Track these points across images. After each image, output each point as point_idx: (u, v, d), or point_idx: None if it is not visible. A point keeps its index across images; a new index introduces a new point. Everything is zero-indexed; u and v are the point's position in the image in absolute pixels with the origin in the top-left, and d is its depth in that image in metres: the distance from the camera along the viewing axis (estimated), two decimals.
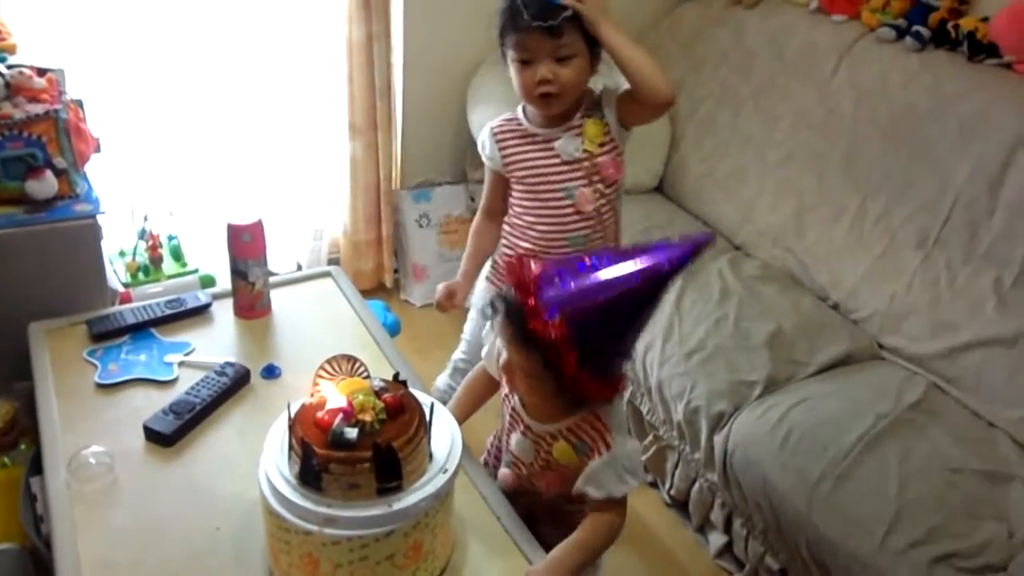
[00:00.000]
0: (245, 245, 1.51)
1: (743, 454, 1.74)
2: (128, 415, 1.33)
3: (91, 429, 1.30)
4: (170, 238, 2.27)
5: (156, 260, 2.19)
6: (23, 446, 1.59)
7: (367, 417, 0.95)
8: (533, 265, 1.05)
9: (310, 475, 0.94)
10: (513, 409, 1.22)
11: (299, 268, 2.71)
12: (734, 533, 1.86)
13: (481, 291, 1.81)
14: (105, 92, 2.16)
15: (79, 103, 1.72)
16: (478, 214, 1.72)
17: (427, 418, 1.01)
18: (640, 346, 1.92)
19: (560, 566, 1.08)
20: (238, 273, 1.55)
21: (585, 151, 1.53)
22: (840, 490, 1.58)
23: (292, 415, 0.98)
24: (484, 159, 1.63)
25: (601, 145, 1.54)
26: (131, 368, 1.42)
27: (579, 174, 1.54)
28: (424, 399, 1.06)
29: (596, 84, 1.58)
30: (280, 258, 2.60)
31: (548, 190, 1.56)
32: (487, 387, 1.34)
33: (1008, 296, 1.85)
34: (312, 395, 1.02)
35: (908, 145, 2.07)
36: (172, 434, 1.28)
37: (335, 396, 0.95)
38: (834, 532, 1.54)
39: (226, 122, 2.41)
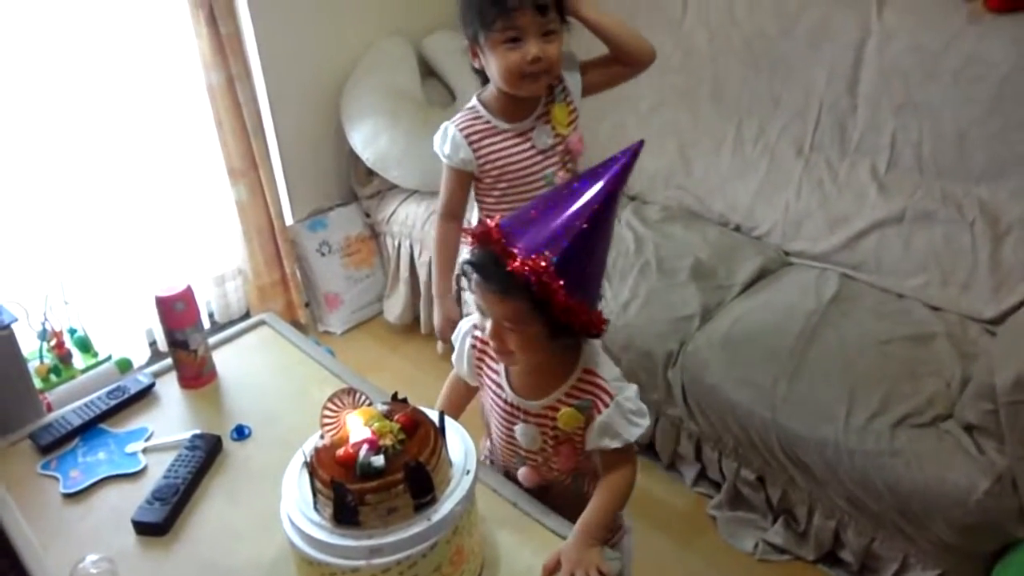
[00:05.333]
0: (180, 314, 1.45)
1: (700, 382, 1.84)
2: (109, 516, 1.27)
3: (76, 541, 1.23)
4: (71, 331, 2.14)
5: (64, 358, 2.06)
6: None
7: (387, 441, 0.95)
8: (489, 222, 1.06)
9: (346, 513, 0.94)
10: (507, 403, 1.22)
11: (212, 316, 2.63)
12: (705, 459, 1.96)
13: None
14: None
15: None
16: (440, 221, 1.63)
17: (440, 427, 1.03)
18: None
19: (588, 533, 1.11)
20: (177, 344, 1.49)
21: (558, 135, 1.53)
22: (796, 388, 1.71)
23: (310, 461, 0.97)
24: (448, 160, 1.56)
25: (569, 124, 1.54)
26: (95, 469, 1.35)
27: (555, 159, 1.54)
28: (430, 411, 1.07)
29: None
30: None
31: (529, 181, 1.53)
32: (464, 394, 1.36)
33: (885, 180, 2.04)
34: (322, 436, 1.01)
35: (766, 66, 2.22)
36: (164, 522, 1.22)
37: (358, 428, 0.95)
38: (801, 427, 1.66)
39: (102, 199, 2.30)
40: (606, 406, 1.12)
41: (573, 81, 1.54)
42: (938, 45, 1.95)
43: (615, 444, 1.13)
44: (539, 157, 1.53)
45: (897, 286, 1.97)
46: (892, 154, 2.03)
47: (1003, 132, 1.89)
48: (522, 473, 1.25)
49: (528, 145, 1.52)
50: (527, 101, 1.51)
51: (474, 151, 1.53)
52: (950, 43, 1.94)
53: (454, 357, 1.32)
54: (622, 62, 1.52)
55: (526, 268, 0.99)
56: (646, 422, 1.13)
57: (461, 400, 1.37)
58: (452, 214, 1.61)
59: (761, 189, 2.24)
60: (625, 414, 1.12)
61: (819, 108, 2.14)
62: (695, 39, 2.37)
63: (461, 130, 1.53)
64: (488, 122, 1.53)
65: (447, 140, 1.55)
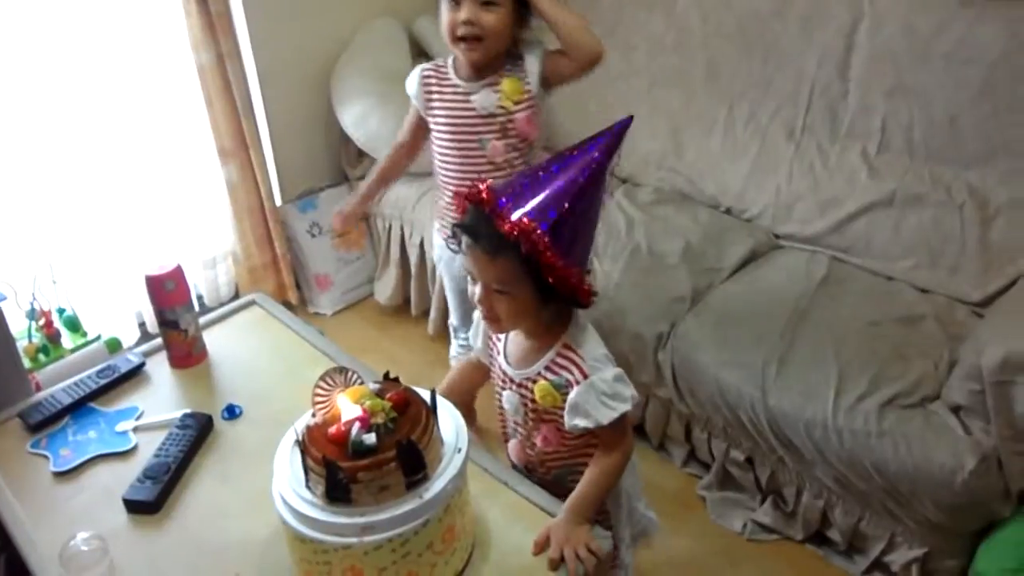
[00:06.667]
0: (170, 294, 1.45)
1: (689, 364, 1.85)
2: (100, 494, 1.27)
3: (66, 519, 1.23)
4: (60, 311, 2.12)
5: (53, 337, 2.05)
6: None
7: (379, 419, 0.96)
8: (480, 185, 1.10)
9: (338, 490, 0.94)
10: (499, 368, 1.25)
11: (200, 299, 2.62)
12: (695, 439, 1.98)
13: (440, 247, 1.87)
14: None
15: None
16: (394, 144, 1.83)
17: (432, 406, 1.03)
18: None
19: (577, 510, 1.13)
20: (167, 323, 1.49)
21: (501, 107, 1.60)
22: (786, 369, 1.72)
23: (302, 439, 0.97)
24: (410, 95, 1.70)
25: (517, 103, 1.60)
26: (85, 448, 1.35)
27: (493, 127, 1.62)
28: (422, 390, 1.07)
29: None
30: None
31: (463, 138, 1.65)
32: (468, 379, 1.39)
33: (876, 163, 2.04)
34: (314, 415, 1.02)
35: (759, 48, 2.22)
36: (155, 500, 1.23)
37: (349, 407, 0.95)
38: (790, 407, 1.67)
39: (92, 179, 2.28)
40: (579, 384, 1.13)
41: (532, 64, 1.60)
42: (930, 28, 1.95)
43: (586, 423, 1.13)
44: (476, 120, 1.62)
45: (886, 269, 1.98)
46: (883, 138, 2.04)
47: (994, 116, 1.89)
48: (510, 446, 1.29)
49: (469, 105, 1.62)
50: (484, 66, 1.59)
51: (424, 95, 1.67)
52: (942, 26, 1.94)
53: (470, 333, 1.35)
54: (567, 55, 1.56)
55: (518, 226, 1.03)
56: (623, 407, 1.13)
57: (464, 385, 1.40)
58: (402, 143, 1.81)
59: (752, 172, 2.24)
60: (599, 395, 1.12)
61: (810, 91, 2.13)
62: (689, 20, 2.36)
63: (423, 74, 1.68)
64: (446, 74, 1.66)
65: (412, 78, 1.70)
